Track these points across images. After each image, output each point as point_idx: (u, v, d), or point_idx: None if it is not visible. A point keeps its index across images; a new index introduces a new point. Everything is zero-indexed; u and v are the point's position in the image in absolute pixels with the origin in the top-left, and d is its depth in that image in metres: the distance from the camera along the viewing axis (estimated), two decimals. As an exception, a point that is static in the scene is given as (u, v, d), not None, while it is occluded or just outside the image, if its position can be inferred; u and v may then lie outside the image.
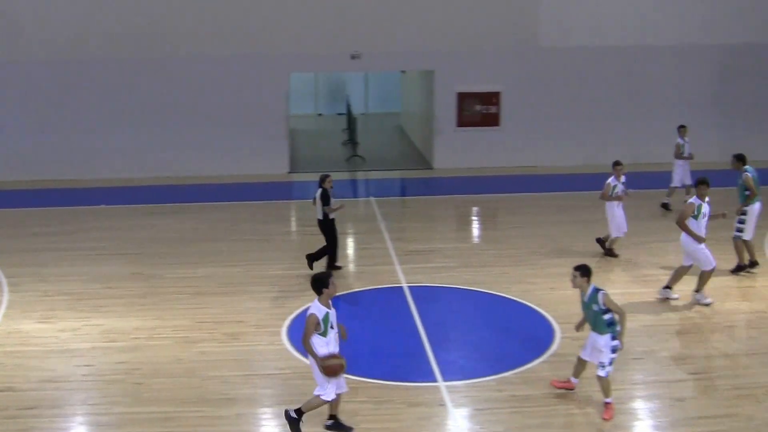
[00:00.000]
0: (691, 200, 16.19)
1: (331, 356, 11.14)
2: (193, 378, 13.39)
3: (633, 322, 15.17)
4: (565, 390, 12.60)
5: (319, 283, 11.20)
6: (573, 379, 12.61)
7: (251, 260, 18.92)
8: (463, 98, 27.76)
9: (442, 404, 12.50)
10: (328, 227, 17.86)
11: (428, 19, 27.13)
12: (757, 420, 12.00)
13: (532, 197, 24.40)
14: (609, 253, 19.02)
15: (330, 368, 11.13)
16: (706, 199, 15.99)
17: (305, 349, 11.25)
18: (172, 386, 13.14)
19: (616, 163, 18.80)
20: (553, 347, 14.40)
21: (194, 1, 26.41)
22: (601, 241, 19.26)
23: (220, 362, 13.93)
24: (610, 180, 18.74)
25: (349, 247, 20.69)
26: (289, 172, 27.38)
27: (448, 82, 27.63)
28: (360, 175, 28.03)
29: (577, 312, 15.55)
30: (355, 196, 25.95)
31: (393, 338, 15.09)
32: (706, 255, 16.04)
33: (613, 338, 11.97)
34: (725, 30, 28.28)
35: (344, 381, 11.60)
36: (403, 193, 26.78)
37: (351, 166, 28.73)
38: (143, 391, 13.00)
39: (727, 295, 16.86)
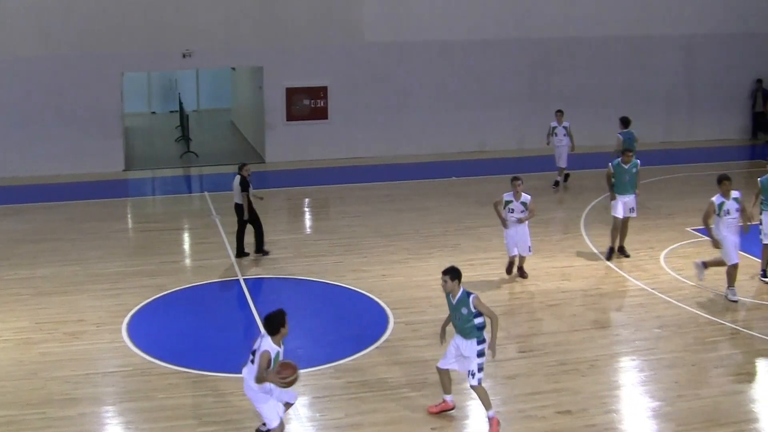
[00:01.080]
0: (713, 198, 15.62)
1: (285, 371, 10.20)
2: (35, 379, 12.73)
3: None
4: (445, 411, 11.73)
5: (276, 324, 10.28)
6: (447, 398, 11.75)
7: (89, 258, 18.19)
8: (292, 93, 27.38)
9: (283, 394, 12.16)
10: (251, 214, 18.04)
11: (256, 15, 26.69)
12: (583, 393, 12.16)
13: (360, 187, 24.26)
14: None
15: (291, 383, 10.30)
16: (732, 195, 15.51)
17: (259, 384, 10.26)
18: (13, 389, 12.44)
19: (514, 179, 16.89)
20: (387, 333, 14.22)
21: (31, 4, 25.23)
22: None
23: (62, 362, 13.28)
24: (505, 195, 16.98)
25: (185, 242, 20.24)
26: (125, 170, 26.50)
27: (277, 77, 27.21)
28: (194, 171, 27.41)
29: (409, 297, 15.65)
30: (190, 191, 25.44)
31: (231, 331, 14.72)
32: (728, 250, 15.58)
33: (479, 343, 11.23)
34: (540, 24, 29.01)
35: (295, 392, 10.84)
36: (236, 188, 26.20)
37: (185, 163, 28.05)
38: (-18, 396, 12.18)
39: (549, 275, 17.13)
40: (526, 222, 16.67)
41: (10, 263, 18.06)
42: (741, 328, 14.70)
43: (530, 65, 29.31)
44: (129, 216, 22.82)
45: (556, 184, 24.21)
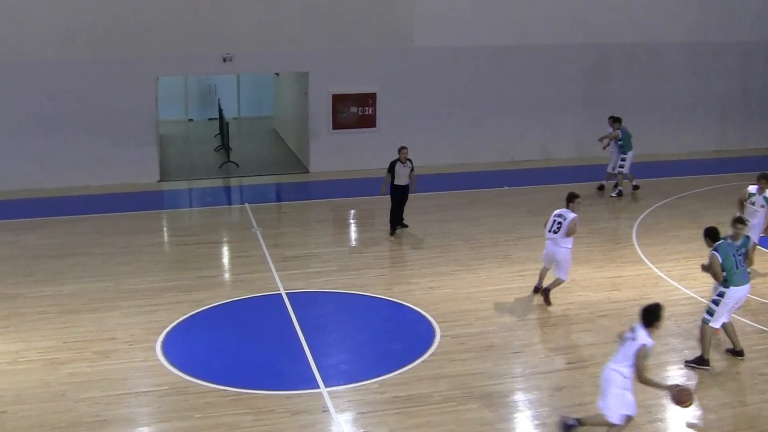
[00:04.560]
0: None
1: (683, 396, 11.05)
2: (63, 401, 13.04)
3: (510, 317, 15.90)
4: None
5: (653, 315, 11.09)
6: None
7: (120, 274, 18.56)
8: (338, 100, 27.92)
9: (325, 410, 12.67)
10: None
11: (301, 19, 27.14)
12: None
13: (410, 198, 24.68)
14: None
15: (684, 393, 11.07)
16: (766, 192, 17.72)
17: (644, 382, 11.03)
18: (39, 412, 12.74)
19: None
20: (434, 347, 14.73)
21: (54, 3, 25.48)
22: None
23: (92, 383, 13.60)
24: None
25: (224, 255, 20.75)
26: (159, 181, 27.03)
27: (323, 83, 27.73)
28: (234, 182, 27.86)
29: (456, 310, 16.17)
30: (230, 203, 25.91)
31: (272, 347, 15.13)
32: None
33: None
34: (596, 29, 29.54)
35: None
36: (278, 199, 26.76)
37: (224, 173, 28.52)
38: (6, 420, 12.56)
39: (599, 286, 17.68)
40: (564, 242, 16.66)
41: (34, 280, 18.24)
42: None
43: (585, 71, 29.86)
44: (164, 229, 23.17)
45: (620, 193, 24.90)
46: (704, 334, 14.11)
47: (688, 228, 21.49)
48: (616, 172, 25.01)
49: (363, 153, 27.96)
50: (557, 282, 16.71)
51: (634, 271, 18.57)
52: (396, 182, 20.59)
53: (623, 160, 24.85)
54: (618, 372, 11.06)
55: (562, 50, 29.38)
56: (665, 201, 24.43)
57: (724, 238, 14.10)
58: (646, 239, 20.80)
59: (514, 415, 12.59)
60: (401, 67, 28.19)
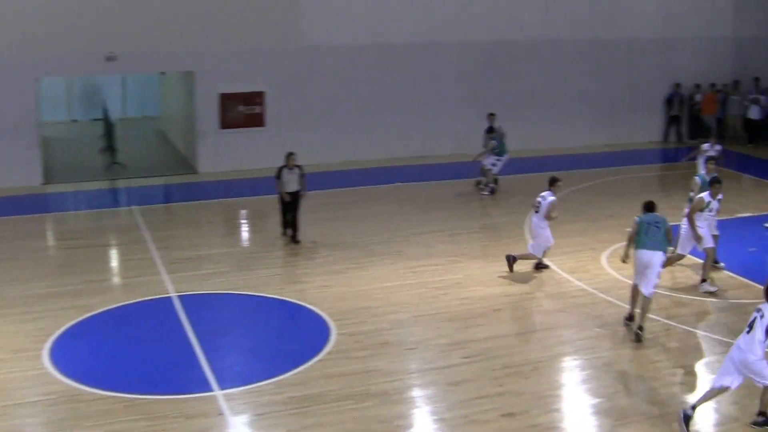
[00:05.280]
0: (702, 195, 17.58)
1: None
2: None
3: (404, 314, 16.02)
4: None
5: None
6: None
7: (3, 281, 18.00)
8: (226, 99, 27.72)
9: (221, 413, 12.53)
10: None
11: (188, 17, 26.88)
12: (526, 395, 12.92)
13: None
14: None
15: None
16: (718, 196, 17.61)
17: None
18: None
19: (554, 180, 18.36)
20: (329, 345, 14.72)
21: None
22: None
23: None
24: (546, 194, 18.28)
25: (112, 259, 20.40)
26: (43, 183, 26.46)
27: (210, 82, 27.51)
28: (121, 184, 27.24)
29: (350, 308, 16.20)
30: (116, 205, 25.39)
31: (165, 350, 14.87)
32: (709, 236, 17.65)
33: None
34: (485, 26, 30.00)
35: None
36: (167, 200, 26.40)
37: (110, 175, 28.00)
38: None
39: (493, 280, 17.89)
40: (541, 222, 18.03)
41: None
42: (675, 324, 15.76)
43: (473, 69, 30.25)
44: (48, 233, 22.64)
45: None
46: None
47: (579, 221, 21.97)
48: (487, 168, 25.27)
49: (252, 152, 27.78)
50: (527, 255, 17.94)
51: (527, 264, 18.75)
52: (286, 189, 20.28)
53: (498, 160, 25.15)
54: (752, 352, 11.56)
55: (450, 48, 29.70)
56: (558, 195, 24.68)
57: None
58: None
59: (412, 412, 12.66)
60: (289, 65, 28.11)
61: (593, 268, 18.66)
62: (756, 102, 32.89)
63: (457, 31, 29.65)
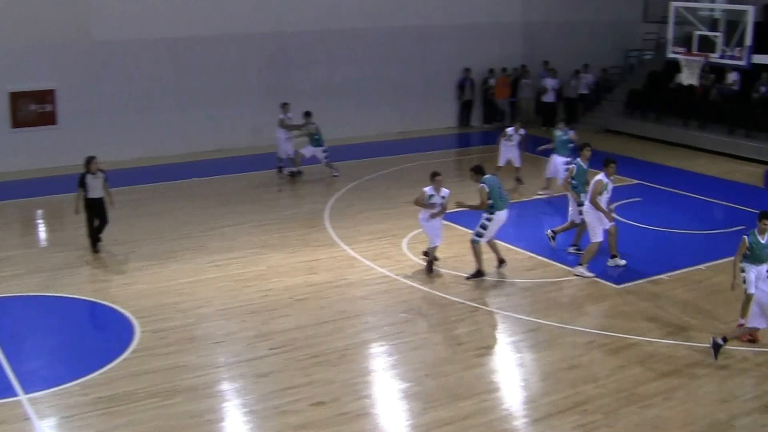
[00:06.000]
0: (599, 177, 17.91)
1: None
2: None
3: (208, 308, 16.20)
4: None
5: None
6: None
7: None
8: (16, 98, 26.96)
9: (27, 418, 12.35)
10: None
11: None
12: (335, 383, 13.28)
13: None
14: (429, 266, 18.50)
15: None
16: (612, 177, 18.09)
17: None
18: None
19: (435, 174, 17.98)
20: (134, 343, 14.72)
21: None
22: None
23: None
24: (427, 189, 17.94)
25: None
26: None
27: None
28: None
29: (153, 305, 16.24)
30: None
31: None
32: (598, 230, 17.99)
33: None
34: (276, 18, 30.27)
35: None
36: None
37: None
38: None
39: (296, 270, 18.28)
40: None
41: None
42: (480, 306, 16.47)
43: (266, 61, 30.56)
44: None
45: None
46: (476, 252, 17.67)
47: (379, 209, 22.76)
48: (322, 163, 25.96)
49: (45, 151, 27.16)
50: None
51: (329, 253, 19.30)
52: (90, 195, 19.54)
53: (325, 151, 25.87)
54: None
55: (243, 40, 29.85)
56: (355, 183, 25.58)
57: None
58: (338, 222, 21.66)
59: (222, 405, 12.85)
60: (80, 62, 27.63)
61: (395, 254, 19.29)
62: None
63: (249, 23, 29.81)
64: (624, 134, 33.43)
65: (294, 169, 26.21)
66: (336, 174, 26.12)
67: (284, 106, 26.57)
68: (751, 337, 14.61)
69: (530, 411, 12.60)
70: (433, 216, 17.77)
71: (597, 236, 18.02)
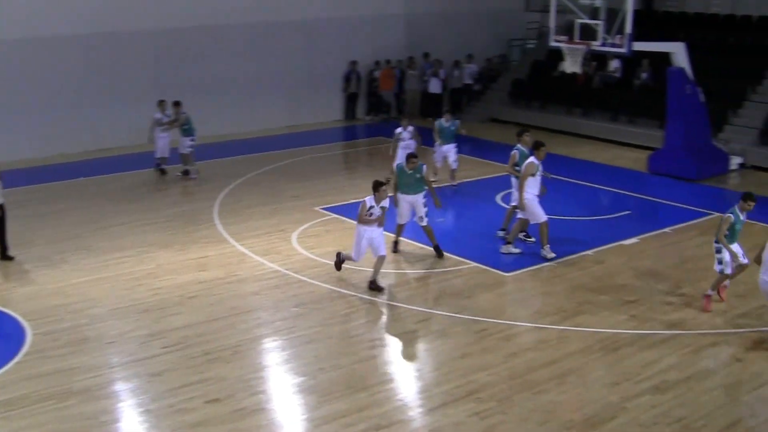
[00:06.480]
0: (531, 160, 18.48)
1: None
2: None
3: (101, 308, 16.13)
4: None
5: None
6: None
7: None
8: None
9: None
10: None
11: None
12: (229, 379, 13.37)
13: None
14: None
15: None
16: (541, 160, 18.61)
17: None
18: None
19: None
20: (26, 346, 14.56)
21: None
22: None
23: None
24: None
25: None
26: None
27: None
28: None
29: (44, 306, 16.08)
30: None
31: None
32: (538, 210, 18.58)
33: None
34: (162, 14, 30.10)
35: None
36: None
37: None
38: None
39: (186, 268, 18.31)
40: None
41: None
42: (372, 298, 16.73)
43: (150, 57, 30.31)
44: None
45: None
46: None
47: (268, 204, 22.85)
48: (184, 152, 25.66)
49: None
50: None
51: (218, 250, 19.34)
52: None
53: (192, 140, 25.58)
54: None
55: (126, 37, 29.52)
56: (243, 179, 25.59)
57: None
58: (227, 218, 21.69)
59: (117, 406, 12.82)
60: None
61: (285, 249, 19.41)
62: (435, 75, 35.19)
63: (131, 19, 29.49)
64: (509, 123, 34.09)
65: (187, 167, 25.89)
66: (194, 176, 25.65)
67: (161, 104, 26.06)
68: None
69: (425, 401, 12.89)
70: (364, 223, 17.00)
71: (540, 216, 18.62)
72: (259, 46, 32.46)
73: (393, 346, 15.06)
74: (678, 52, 25.90)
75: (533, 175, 18.46)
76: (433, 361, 14.21)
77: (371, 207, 16.88)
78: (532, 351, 14.43)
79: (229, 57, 31.79)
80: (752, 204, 15.81)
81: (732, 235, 15.77)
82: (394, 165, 20.97)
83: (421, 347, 14.84)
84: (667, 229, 21.03)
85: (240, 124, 32.10)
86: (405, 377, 13.82)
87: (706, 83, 27.28)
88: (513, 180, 19.81)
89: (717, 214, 21.74)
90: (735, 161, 27.44)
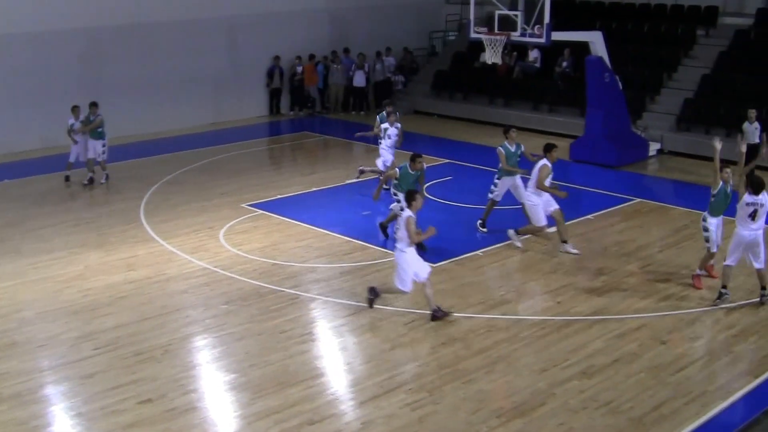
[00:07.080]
0: (544, 162, 18.75)
1: None
2: None
3: (29, 312, 16.03)
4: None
5: None
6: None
7: None
8: None
9: None
10: None
11: None
12: (161, 379, 13.40)
13: None
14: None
15: None
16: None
17: None
18: None
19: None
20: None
21: None
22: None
23: None
24: None
25: None
26: None
27: None
28: None
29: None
30: None
31: None
32: (540, 215, 18.83)
33: None
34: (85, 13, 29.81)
35: None
36: None
37: None
38: None
39: (115, 268, 18.25)
40: None
41: None
42: (300, 293, 16.87)
43: (75, 57, 29.96)
44: None
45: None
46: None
47: (195, 201, 22.86)
48: (100, 159, 25.02)
49: None
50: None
51: (147, 249, 19.31)
52: None
53: (104, 146, 25.08)
54: None
55: (49, 37, 29.10)
56: (169, 177, 25.51)
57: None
58: (155, 216, 21.65)
59: (48, 410, 12.77)
60: None
61: (213, 246, 19.46)
62: (360, 68, 35.44)
63: (51, 19, 29.10)
64: (433, 114, 34.41)
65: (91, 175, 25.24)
66: (103, 181, 25.15)
67: (74, 109, 25.26)
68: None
69: (356, 394, 13.07)
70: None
71: (540, 221, 18.96)
72: (181, 44, 32.29)
73: (323, 340, 15.21)
74: (596, 41, 26.42)
75: (548, 176, 18.85)
76: (363, 354, 14.39)
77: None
78: (461, 341, 14.69)
79: (151, 55, 31.60)
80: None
81: (714, 209, 16.55)
82: (381, 164, 21.21)
83: (350, 341, 15.00)
84: (590, 216, 21.47)
85: (164, 122, 31.91)
86: (336, 371, 13.99)
87: (624, 71, 27.92)
88: (507, 179, 20.32)
89: (638, 200, 22.36)
90: (653, 147, 28.12)
